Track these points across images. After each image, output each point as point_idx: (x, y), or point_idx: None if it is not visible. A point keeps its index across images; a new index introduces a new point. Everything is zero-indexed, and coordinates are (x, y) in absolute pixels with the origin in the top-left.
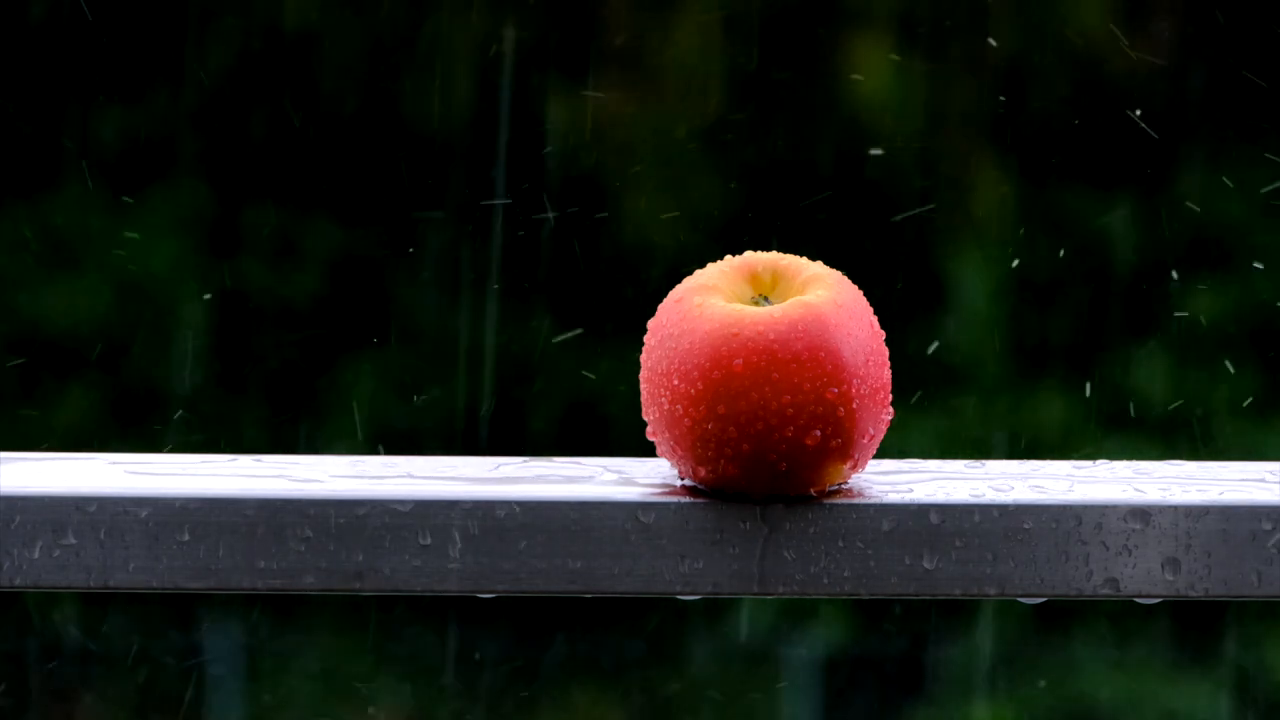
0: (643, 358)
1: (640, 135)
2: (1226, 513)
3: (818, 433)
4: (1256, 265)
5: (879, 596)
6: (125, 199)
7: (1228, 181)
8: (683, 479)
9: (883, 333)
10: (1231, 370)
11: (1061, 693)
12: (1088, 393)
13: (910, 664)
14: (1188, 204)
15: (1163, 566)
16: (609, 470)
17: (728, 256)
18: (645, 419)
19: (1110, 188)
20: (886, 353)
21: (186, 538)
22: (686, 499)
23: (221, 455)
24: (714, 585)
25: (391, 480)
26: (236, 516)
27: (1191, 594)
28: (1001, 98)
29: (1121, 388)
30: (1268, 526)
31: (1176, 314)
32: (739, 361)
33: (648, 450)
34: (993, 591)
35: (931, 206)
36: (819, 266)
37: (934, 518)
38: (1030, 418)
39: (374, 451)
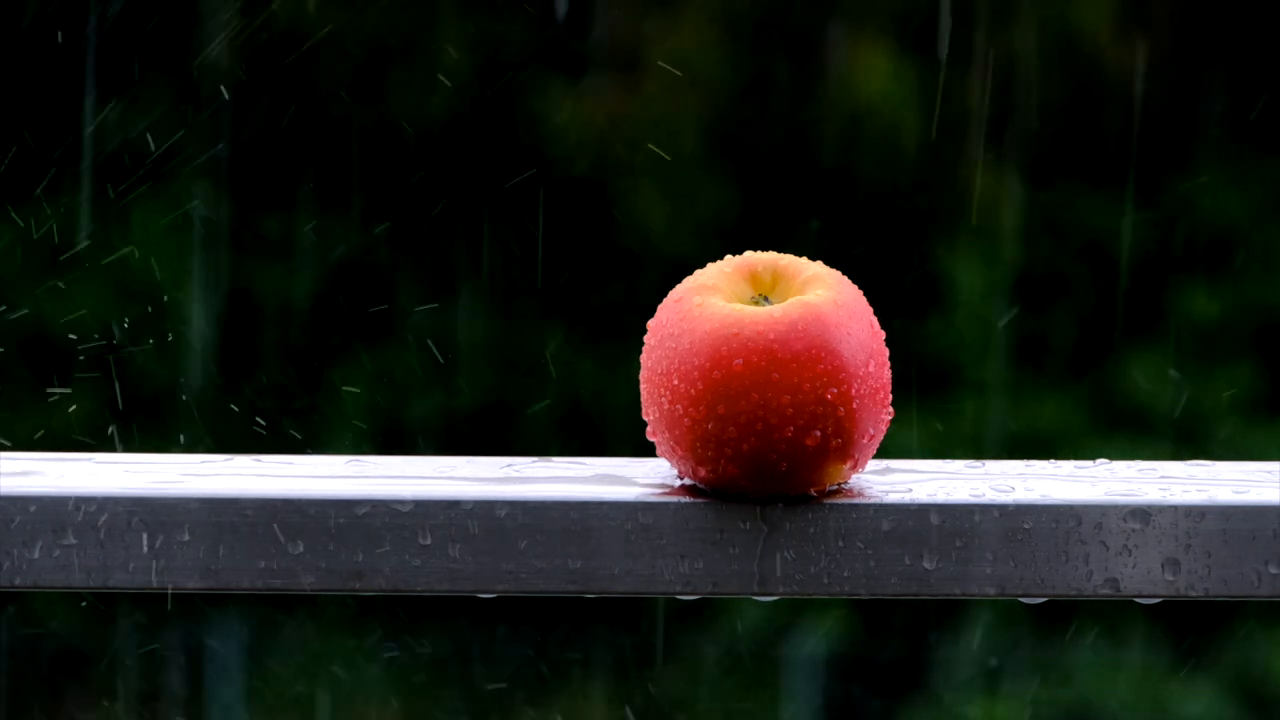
0: (643, 358)
1: (640, 135)
2: (1226, 513)
3: (818, 433)
4: (1257, 265)
5: (879, 596)
6: (126, 198)
7: (1228, 181)
8: (683, 479)
9: (883, 333)
10: (1232, 370)
11: (1061, 693)
12: (1087, 393)
13: (910, 664)
14: (1188, 204)
15: (1163, 566)
16: (609, 470)
17: (728, 256)
18: (645, 419)
19: (1110, 188)
20: (886, 352)
21: (186, 538)
22: (686, 499)
23: (221, 455)
24: (714, 585)
25: (391, 480)
26: (236, 516)
27: (1191, 594)
28: (1001, 97)
29: (1121, 388)
30: (1268, 526)
31: (1176, 314)
32: (739, 361)
33: (648, 450)
34: (993, 591)
35: (931, 206)
36: (819, 266)
37: (934, 518)
38: (1030, 418)
39: (374, 451)
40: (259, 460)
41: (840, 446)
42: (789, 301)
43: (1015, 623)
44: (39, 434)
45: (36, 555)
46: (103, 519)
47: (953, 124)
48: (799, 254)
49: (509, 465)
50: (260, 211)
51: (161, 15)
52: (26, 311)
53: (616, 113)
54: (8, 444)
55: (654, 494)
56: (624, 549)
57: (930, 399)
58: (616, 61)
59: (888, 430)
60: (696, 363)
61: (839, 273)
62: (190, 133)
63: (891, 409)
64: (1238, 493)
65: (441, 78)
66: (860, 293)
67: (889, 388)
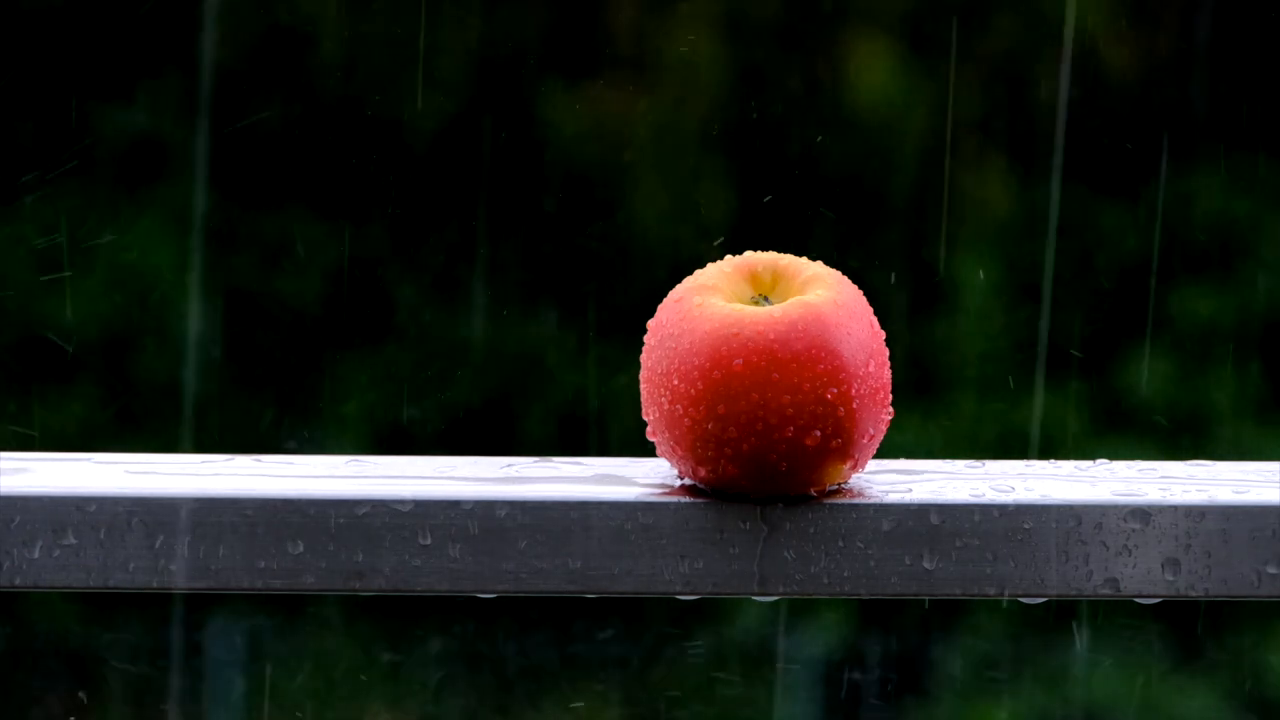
0: (643, 358)
1: (641, 134)
2: (1226, 513)
3: (818, 433)
4: (1257, 265)
5: (879, 596)
6: (126, 198)
7: (1228, 181)
8: (682, 479)
9: (883, 333)
10: (1231, 370)
11: (1061, 693)
12: (1087, 393)
13: (910, 664)
14: (1188, 204)
15: (1163, 566)
16: (609, 470)
17: (728, 256)
18: (645, 419)
19: (1110, 188)
20: (887, 352)
21: (186, 538)
22: (686, 499)
23: (221, 455)
24: (714, 585)
25: (391, 480)
26: (236, 516)
27: (1191, 594)
28: (1002, 97)
29: (1121, 388)
30: (1268, 527)
31: (1176, 314)
32: (739, 361)
33: (648, 450)
34: (993, 591)
35: (932, 206)
36: (819, 266)
37: (934, 518)
38: (1030, 418)
39: (374, 451)
40: (259, 460)
41: (840, 446)
42: (789, 301)
43: (1015, 623)
44: (39, 434)
45: (36, 555)
46: (103, 519)
47: (953, 123)
48: (799, 254)
49: (509, 465)
50: (261, 211)
51: (163, 13)
52: (26, 310)
53: (618, 112)
54: (7, 444)
55: (654, 494)
56: (624, 549)
57: (930, 399)
58: (618, 61)
59: (888, 430)
60: (696, 363)
61: (839, 273)
62: (191, 131)
63: (891, 409)
64: (1238, 493)
65: (443, 77)
66: (860, 293)
67: (889, 388)
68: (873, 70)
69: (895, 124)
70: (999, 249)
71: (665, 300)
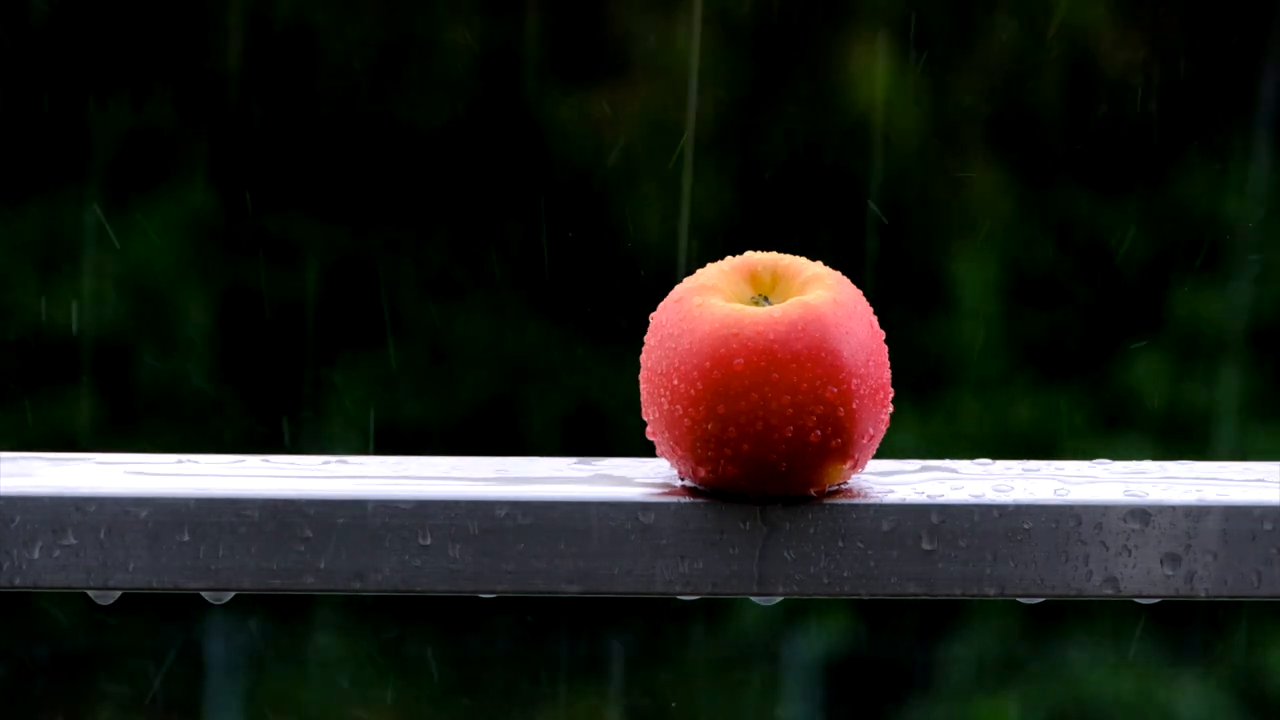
0: (643, 358)
1: (640, 135)
2: (1226, 513)
3: (818, 433)
4: (1256, 265)
5: (879, 596)
6: (126, 199)
7: (1227, 181)
8: (683, 479)
9: (883, 332)
10: (1231, 370)
11: (1061, 693)
12: (1087, 393)
13: (910, 664)
14: (1188, 204)
15: (1163, 566)
16: (609, 470)
17: (728, 256)
18: (645, 419)
19: (1110, 188)
20: (886, 352)
21: (186, 538)
22: (686, 499)
23: (224, 456)
24: (714, 585)
25: (391, 480)
26: (236, 516)
27: (1191, 594)
28: (1001, 97)
29: (1121, 388)
30: (1268, 526)
31: (1176, 314)
32: (739, 361)
33: (648, 450)
34: (993, 591)
35: (931, 206)
36: (819, 266)
37: (934, 518)
38: (1029, 418)
39: (374, 451)
40: (267, 460)
41: (840, 446)
42: (789, 302)
43: (1015, 623)
44: (39, 434)
45: (36, 555)
46: (103, 519)
47: (952, 123)
48: (798, 254)
49: (508, 465)
50: (262, 211)
51: (165, 13)
52: (26, 311)
53: (618, 113)
54: (7, 444)
55: (654, 494)
56: (624, 549)
57: (930, 399)
58: (617, 62)
59: (888, 430)
60: (696, 363)
61: (839, 273)
62: (192, 131)
63: (891, 408)
64: (1238, 493)
65: (443, 78)
66: (860, 293)
67: (889, 388)
68: (872, 69)
69: (894, 123)
70: (998, 248)
71: (665, 300)
